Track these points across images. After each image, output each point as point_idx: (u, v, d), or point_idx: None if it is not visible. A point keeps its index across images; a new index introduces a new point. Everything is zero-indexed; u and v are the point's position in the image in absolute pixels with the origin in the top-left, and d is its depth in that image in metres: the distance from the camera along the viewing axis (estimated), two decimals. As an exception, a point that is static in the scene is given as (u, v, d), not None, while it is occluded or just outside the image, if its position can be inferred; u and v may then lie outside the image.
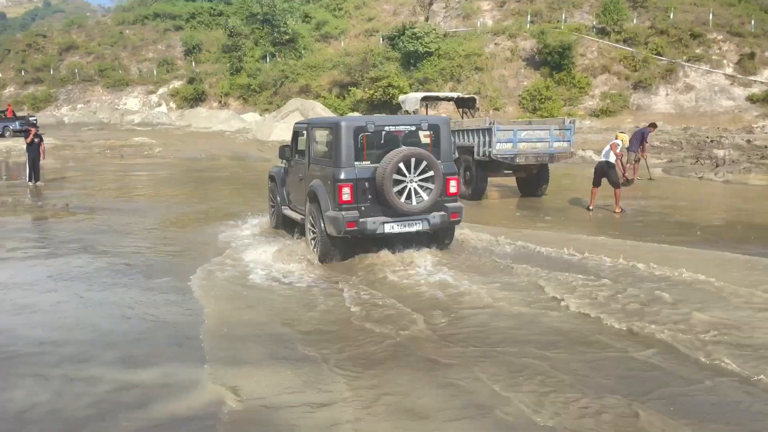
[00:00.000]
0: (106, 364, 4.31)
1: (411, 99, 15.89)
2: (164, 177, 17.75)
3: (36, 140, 15.30)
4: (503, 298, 5.59)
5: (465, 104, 15.90)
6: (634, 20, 36.71)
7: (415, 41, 36.55)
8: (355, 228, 6.68)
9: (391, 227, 6.84)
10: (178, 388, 3.91)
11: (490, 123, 11.39)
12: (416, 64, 37.06)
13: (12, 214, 10.93)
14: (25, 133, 15.57)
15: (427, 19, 40.12)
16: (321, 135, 7.54)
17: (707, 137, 24.23)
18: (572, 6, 39.12)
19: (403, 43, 37.05)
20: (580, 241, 8.01)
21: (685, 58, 33.65)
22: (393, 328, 4.88)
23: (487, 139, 11.40)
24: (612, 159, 10.44)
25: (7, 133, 34.54)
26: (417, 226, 6.94)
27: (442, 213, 7.01)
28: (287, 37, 42.46)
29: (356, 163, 6.83)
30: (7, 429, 3.43)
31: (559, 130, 11.69)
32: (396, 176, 6.66)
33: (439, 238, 7.46)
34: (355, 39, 42.76)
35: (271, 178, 9.18)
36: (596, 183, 10.63)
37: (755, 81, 32.00)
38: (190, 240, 8.53)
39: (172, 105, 43.38)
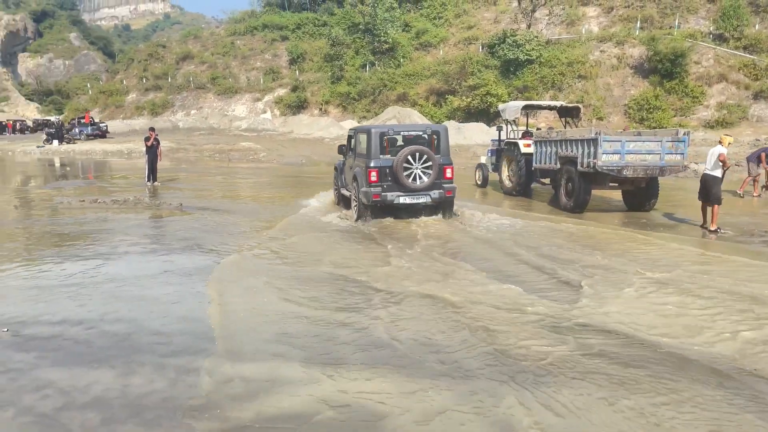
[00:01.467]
0: (216, 356, 4.54)
1: (511, 107, 15.63)
2: (267, 180, 18.53)
3: (155, 143, 16.46)
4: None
5: (568, 113, 15.44)
6: (756, 26, 34.11)
7: (516, 49, 35.96)
8: (379, 199, 9.89)
9: (404, 199, 10.02)
10: (283, 384, 4.04)
11: (596, 133, 10.95)
12: (516, 72, 36.44)
13: (133, 211, 11.80)
14: (145, 137, 16.77)
15: (529, 27, 39.32)
16: (362, 138, 10.51)
17: (841, 152, 21.99)
18: (687, 11, 36.98)
19: (503, 50, 36.57)
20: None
21: (815, 65, 30.84)
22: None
23: (592, 149, 10.97)
24: (718, 173, 9.73)
25: (82, 137, 39.69)
26: (422, 199, 10.09)
27: (441, 191, 10.12)
28: (387, 46, 43.14)
29: (381, 156, 9.97)
30: (129, 414, 3.68)
31: (672, 141, 11.04)
32: (405, 165, 9.81)
33: (441, 210, 10.44)
34: (454, 47, 42.71)
35: (335, 168, 12.61)
36: (703, 198, 9.93)
37: None
38: (289, 242, 8.82)
39: (276, 112, 45.27)
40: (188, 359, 4.48)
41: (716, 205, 9.64)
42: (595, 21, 39.90)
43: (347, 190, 11.39)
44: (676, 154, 11.06)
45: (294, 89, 45.09)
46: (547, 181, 14.08)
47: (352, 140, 11.20)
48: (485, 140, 27.54)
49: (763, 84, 30.69)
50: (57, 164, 26.34)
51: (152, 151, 16.40)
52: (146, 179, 16.51)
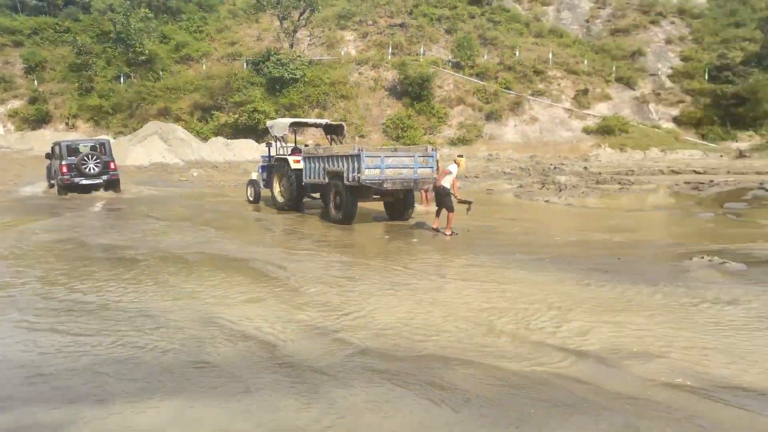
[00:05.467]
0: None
1: (279, 124, 15.86)
2: None
3: None
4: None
5: (333, 131, 16.18)
6: (485, 56, 39.70)
7: (281, 67, 36.65)
8: (69, 182, 16.52)
9: (85, 181, 16.95)
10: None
11: (359, 149, 11.68)
12: (282, 90, 37.12)
13: None
14: None
15: (291, 46, 40.37)
16: (56, 148, 17.68)
17: (551, 164, 26.68)
18: (429, 40, 41.52)
19: (268, 68, 36.99)
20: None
21: (529, 92, 37.02)
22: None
23: (356, 164, 11.65)
24: (448, 185, 11.11)
25: None
26: (97, 180, 16.96)
27: (108, 176, 17.20)
28: (143, 57, 40.59)
29: (69, 157, 17.04)
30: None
31: (423, 157, 12.26)
32: (83, 161, 16.94)
33: (111, 188, 17.45)
34: (217, 62, 41.91)
35: (46, 168, 19.52)
36: (439, 205, 11.22)
37: (589, 114, 35.98)
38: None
39: (10, 127, 39.49)
40: None
41: (450, 213, 10.94)
42: (353, 44, 42.59)
43: (51, 178, 18.61)
44: (427, 167, 12.30)
45: (33, 101, 39.79)
46: (317, 195, 14.54)
47: (54, 149, 17.83)
48: (255, 157, 27.47)
49: (492, 107, 35.87)
50: None
51: None
52: None
